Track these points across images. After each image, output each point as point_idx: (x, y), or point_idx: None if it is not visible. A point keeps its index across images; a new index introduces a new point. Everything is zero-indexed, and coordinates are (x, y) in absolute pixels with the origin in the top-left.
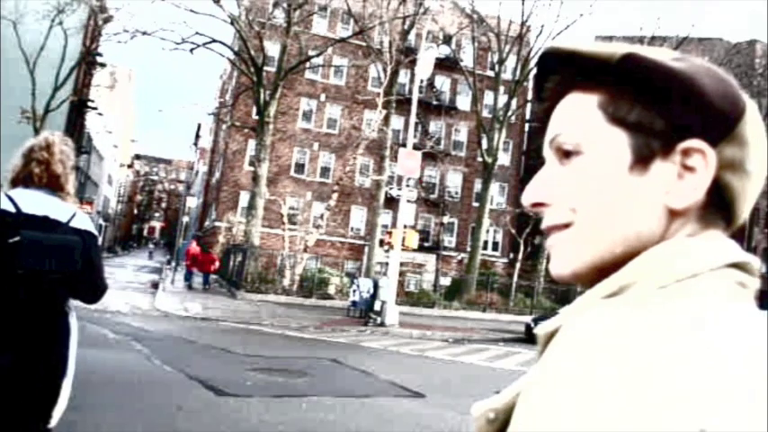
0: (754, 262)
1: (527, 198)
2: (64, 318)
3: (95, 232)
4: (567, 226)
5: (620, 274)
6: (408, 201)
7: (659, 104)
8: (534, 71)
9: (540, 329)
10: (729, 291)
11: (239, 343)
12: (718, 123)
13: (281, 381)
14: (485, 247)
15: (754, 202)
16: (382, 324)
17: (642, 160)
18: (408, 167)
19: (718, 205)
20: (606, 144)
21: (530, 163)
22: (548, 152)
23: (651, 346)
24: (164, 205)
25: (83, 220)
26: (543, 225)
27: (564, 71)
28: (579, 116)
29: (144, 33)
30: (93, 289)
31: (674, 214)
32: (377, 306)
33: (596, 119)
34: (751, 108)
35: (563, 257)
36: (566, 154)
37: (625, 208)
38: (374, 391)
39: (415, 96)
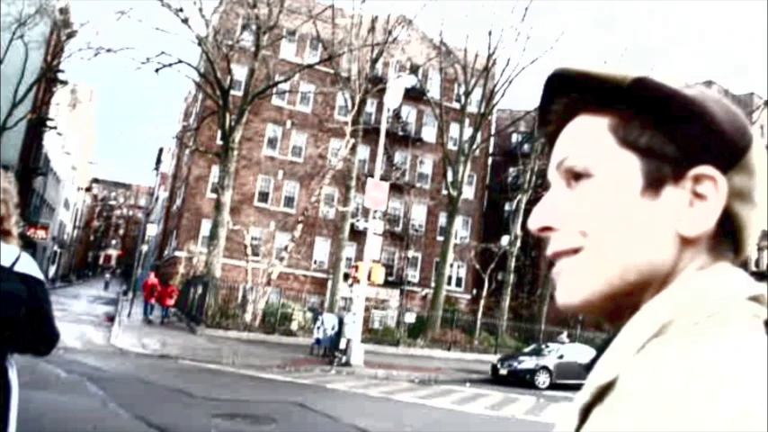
0: (765, 292)
1: (534, 222)
2: (3, 375)
3: (41, 277)
4: (575, 251)
5: (659, 314)
6: (375, 234)
7: (671, 129)
8: (540, 93)
9: (597, 380)
10: (751, 324)
11: (201, 384)
12: (729, 151)
13: (247, 429)
14: (448, 283)
15: (759, 234)
16: (347, 363)
17: (653, 185)
18: (376, 199)
19: (726, 234)
20: (617, 167)
21: (493, 197)
22: (554, 175)
23: (728, 388)
24: (121, 232)
25: (27, 264)
26: (549, 251)
27: (573, 93)
28: (589, 138)
29: (108, 51)
30: (42, 340)
31: (685, 242)
32: (342, 344)
33: (607, 141)
34: (757, 139)
35: (573, 285)
36: (575, 176)
37: (638, 233)
38: None
39: (384, 126)
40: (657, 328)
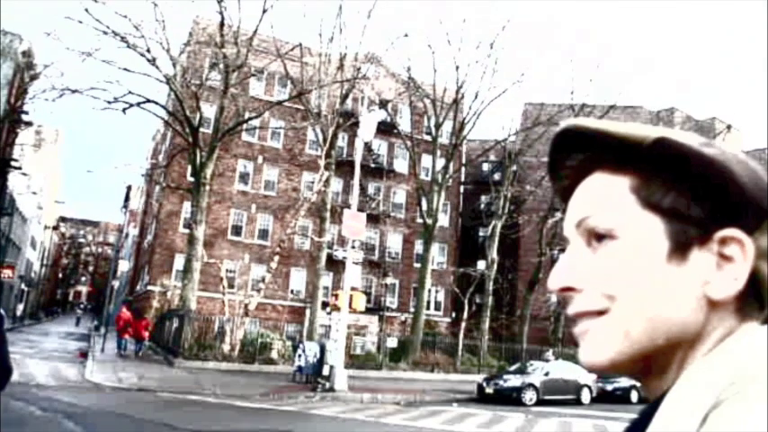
0: None
1: (555, 282)
2: None
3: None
4: (600, 313)
5: (712, 387)
6: (354, 262)
7: (695, 191)
8: (551, 147)
9: None
10: None
11: (184, 416)
12: (753, 212)
13: None
14: (427, 308)
15: None
16: (331, 389)
17: (680, 248)
18: (353, 229)
19: (752, 295)
20: (642, 230)
21: (466, 224)
22: (572, 233)
23: None
24: (91, 269)
25: None
26: (572, 311)
27: (586, 148)
28: (611, 199)
29: (74, 91)
30: None
31: (713, 304)
32: (325, 371)
33: (629, 203)
34: None
35: (599, 346)
36: (596, 237)
37: (667, 298)
38: None
39: (359, 159)
40: (715, 400)
